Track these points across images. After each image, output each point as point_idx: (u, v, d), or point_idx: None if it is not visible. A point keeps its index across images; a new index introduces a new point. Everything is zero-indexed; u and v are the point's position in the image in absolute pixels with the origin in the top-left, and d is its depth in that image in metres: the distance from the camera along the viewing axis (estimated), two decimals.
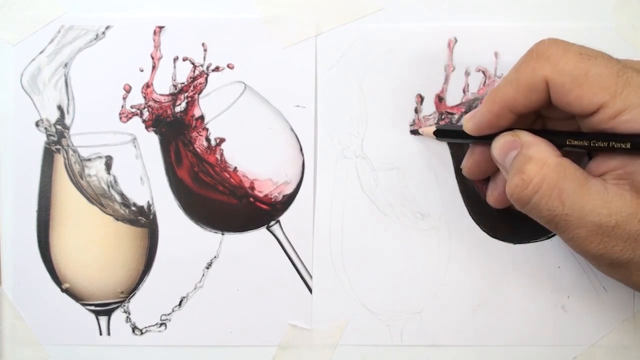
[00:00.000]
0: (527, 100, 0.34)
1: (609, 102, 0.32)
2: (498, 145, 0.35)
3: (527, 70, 0.34)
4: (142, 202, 0.42)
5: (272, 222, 0.42)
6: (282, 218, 0.42)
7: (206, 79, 0.41)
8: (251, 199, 0.42)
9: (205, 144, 0.41)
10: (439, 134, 0.39)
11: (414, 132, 0.41)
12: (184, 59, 0.41)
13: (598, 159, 0.34)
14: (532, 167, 0.33)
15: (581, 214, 0.32)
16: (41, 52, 0.41)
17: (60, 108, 0.41)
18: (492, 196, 0.40)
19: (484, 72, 0.42)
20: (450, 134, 0.39)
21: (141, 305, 0.42)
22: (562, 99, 0.33)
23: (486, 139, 0.37)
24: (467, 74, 0.42)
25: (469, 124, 0.37)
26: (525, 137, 0.34)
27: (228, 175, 0.41)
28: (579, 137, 0.34)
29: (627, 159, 0.33)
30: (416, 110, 0.42)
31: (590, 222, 0.32)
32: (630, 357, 0.42)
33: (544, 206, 0.33)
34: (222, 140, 0.41)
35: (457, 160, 0.42)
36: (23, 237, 0.41)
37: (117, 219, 0.41)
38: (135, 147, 0.41)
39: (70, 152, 0.41)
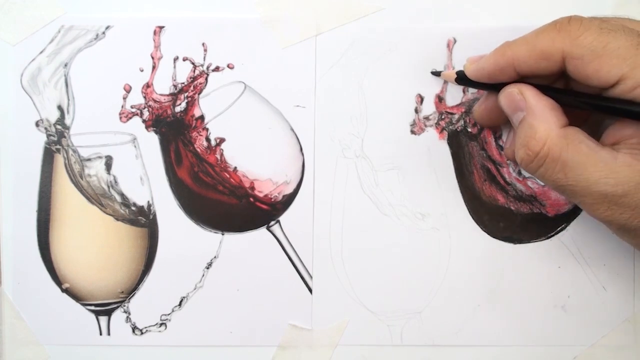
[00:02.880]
0: (535, 65, 0.35)
1: (628, 73, 0.32)
2: (505, 99, 0.36)
3: (546, 39, 0.34)
4: (142, 202, 0.42)
5: (272, 222, 0.42)
6: (282, 218, 0.42)
7: (206, 79, 0.41)
8: (251, 199, 0.42)
9: (205, 144, 0.41)
10: (460, 79, 0.39)
11: (435, 74, 0.41)
12: (184, 59, 0.41)
13: (615, 126, 0.35)
14: (536, 143, 0.34)
15: (586, 184, 0.33)
16: (41, 52, 0.41)
17: (60, 108, 0.41)
18: (509, 149, 0.39)
19: None
20: (470, 81, 0.39)
21: (141, 305, 0.42)
22: (581, 71, 0.33)
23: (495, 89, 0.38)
24: None
25: (470, 67, 0.38)
26: (531, 99, 0.35)
27: (228, 175, 0.41)
28: (584, 98, 0.35)
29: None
30: (416, 110, 0.42)
31: (595, 191, 0.33)
32: (630, 357, 0.42)
33: (549, 177, 0.34)
34: (222, 140, 0.41)
35: (457, 160, 0.42)
36: (23, 237, 0.41)
37: (117, 219, 0.41)
38: (135, 147, 0.41)
39: (70, 152, 0.41)
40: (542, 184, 0.41)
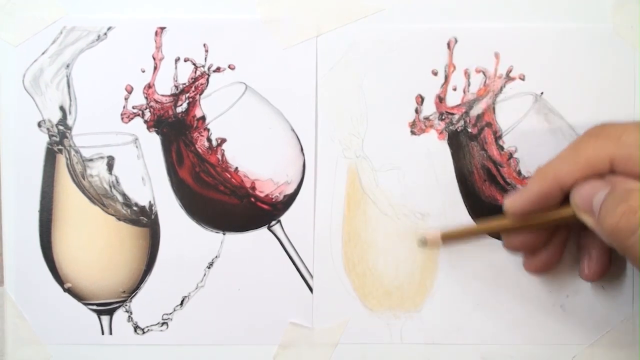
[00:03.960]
0: (582, 177, 0.34)
1: None
2: (585, 190, 0.34)
3: (588, 148, 0.34)
4: (143, 202, 0.42)
5: (273, 222, 0.42)
6: (283, 218, 0.42)
7: (207, 79, 0.42)
8: (252, 199, 0.42)
9: (206, 144, 0.41)
10: (446, 239, 0.40)
11: (423, 242, 0.41)
12: (185, 60, 0.41)
13: None
14: (638, 195, 0.31)
15: None
16: (43, 53, 0.41)
17: (62, 108, 0.41)
18: (589, 269, 0.39)
19: (484, 73, 0.42)
20: (457, 235, 0.40)
21: (143, 305, 0.42)
22: (634, 169, 0.32)
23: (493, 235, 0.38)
24: (467, 74, 0.42)
25: (515, 202, 0.37)
26: (614, 177, 0.33)
27: (229, 176, 0.41)
28: None
29: None
30: (416, 111, 0.42)
31: None
32: (629, 357, 0.42)
33: None
34: (223, 140, 0.42)
35: (457, 160, 0.42)
36: (25, 237, 0.42)
37: (119, 219, 0.41)
38: (137, 147, 0.42)
39: (72, 153, 0.41)
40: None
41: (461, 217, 0.42)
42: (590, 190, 0.34)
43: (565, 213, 0.36)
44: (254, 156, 0.42)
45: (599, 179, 0.34)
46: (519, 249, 0.40)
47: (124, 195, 0.41)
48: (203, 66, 0.41)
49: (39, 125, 0.41)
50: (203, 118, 0.42)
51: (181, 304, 0.42)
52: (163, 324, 0.42)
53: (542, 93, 0.42)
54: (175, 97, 0.42)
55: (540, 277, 0.42)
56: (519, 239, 0.39)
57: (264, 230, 0.42)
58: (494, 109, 0.42)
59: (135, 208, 0.42)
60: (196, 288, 0.42)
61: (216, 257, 0.42)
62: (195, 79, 0.42)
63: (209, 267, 0.42)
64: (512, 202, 0.37)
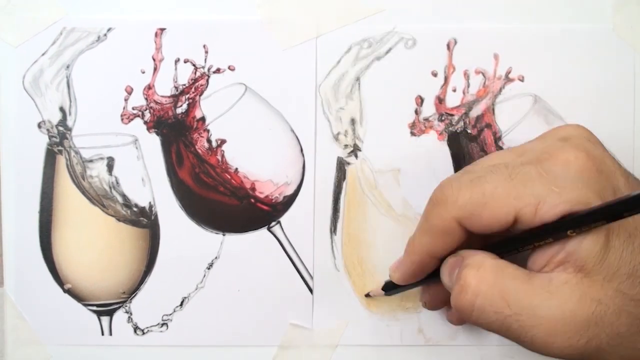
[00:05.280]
0: (445, 244, 0.34)
1: (519, 205, 0.31)
2: (445, 270, 0.35)
3: (435, 218, 0.34)
4: (143, 203, 0.42)
5: (273, 223, 0.42)
6: (282, 219, 0.42)
7: (207, 80, 0.42)
8: (252, 200, 0.42)
9: (206, 145, 0.41)
10: (388, 289, 0.40)
11: (367, 295, 0.42)
12: (185, 61, 0.41)
13: (534, 255, 0.33)
14: (469, 271, 0.32)
15: (531, 311, 0.30)
16: (43, 54, 0.41)
17: (62, 109, 0.41)
18: (429, 303, 0.40)
19: (483, 74, 0.42)
20: (398, 286, 0.39)
21: (143, 306, 0.42)
22: (479, 225, 0.32)
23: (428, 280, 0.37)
24: (466, 75, 0.42)
25: (395, 274, 0.37)
26: (465, 252, 0.34)
27: (229, 177, 0.42)
28: (509, 245, 0.33)
29: (562, 243, 0.31)
30: (416, 112, 0.42)
31: (543, 317, 0.30)
32: None
33: (489, 309, 0.31)
34: (223, 141, 0.42)
35: (457, 161, 0.42)
36: (25, 238, 0.42)
37: (119, 220, 0.41)
38: (136, 148, 0.42)
39: (72, 154, 0.41)
40: None
41: None
42: (450, 268, 0.34)
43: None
44: (253, 157, 0.42)
45: (455, 255, 0.34)
46: (435, 306, 0.40)
47: (123, 196, 0.41)
48: (203, 67, 0.41)
49: (39, 126, 0.41)
50: (203, 119, 0.42)
51: (181, 304, 0.42)
52: (163, 324, 0.42)
53: (541, 94, 0.42)
54: (175, 98, 0.42)
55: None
56: (431, 299, 0.40)
57: (263, 231, 0.42)
58: (493, 110, 0.42)
59: (135, 209, 0.42)
60: (196, 289, 0.42)
61: (216, 258, 0.42)
62: (195, 80, 0.42)
63: (208, 268, 0.42)
64: (393, 272, 0.38)
